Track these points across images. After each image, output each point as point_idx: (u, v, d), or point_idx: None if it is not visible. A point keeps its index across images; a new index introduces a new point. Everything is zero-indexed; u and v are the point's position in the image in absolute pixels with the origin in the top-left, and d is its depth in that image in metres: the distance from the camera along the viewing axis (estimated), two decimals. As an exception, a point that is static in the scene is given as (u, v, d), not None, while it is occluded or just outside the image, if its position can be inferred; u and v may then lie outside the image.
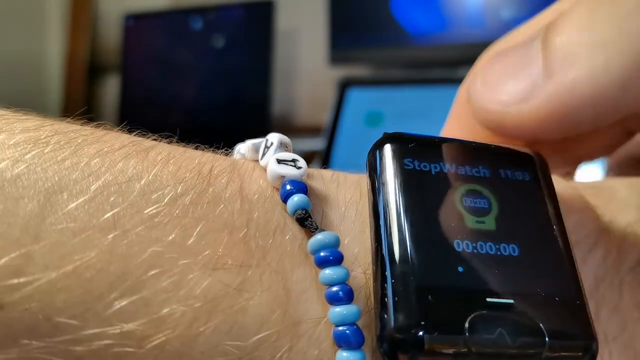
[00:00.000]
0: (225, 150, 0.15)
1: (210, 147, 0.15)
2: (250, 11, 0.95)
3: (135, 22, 1.09)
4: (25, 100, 1.19)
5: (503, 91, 0.14)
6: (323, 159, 0.70)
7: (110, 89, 1.19)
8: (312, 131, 0.87)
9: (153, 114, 1.05)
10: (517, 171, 0.14)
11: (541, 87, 0.13)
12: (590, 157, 0.18)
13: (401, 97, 0.74)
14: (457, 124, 0.18)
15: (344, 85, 0.76)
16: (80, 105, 1.21)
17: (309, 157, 0.78)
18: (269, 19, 0.92)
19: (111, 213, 0.11)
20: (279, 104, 0.98)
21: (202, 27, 1.00)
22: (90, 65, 1.23)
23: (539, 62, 0.13)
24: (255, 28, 0.94)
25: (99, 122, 0.14)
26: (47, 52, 1.26)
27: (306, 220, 0.13)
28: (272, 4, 0.92)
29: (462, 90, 0.18)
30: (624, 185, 0.17)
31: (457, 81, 0.65)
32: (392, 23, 0.81)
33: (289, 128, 0.99)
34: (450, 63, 0.79)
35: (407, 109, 0.73)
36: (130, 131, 0.14)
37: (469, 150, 0.14)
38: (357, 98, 0.77)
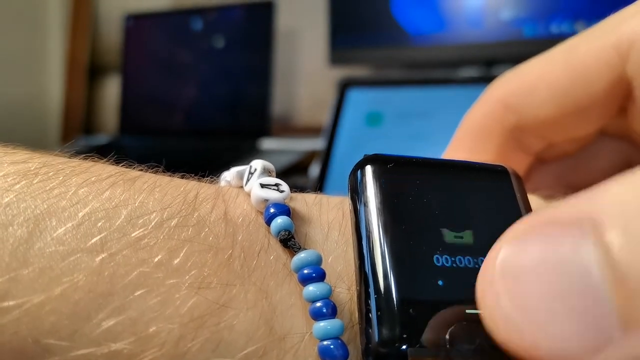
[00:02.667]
0: (211, 178, 0.16)
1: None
2: (250, 11, 0.95)
3: (136, 23, 1.09)
4: (25, 101, 1.20)
5: (558, 334, 0.09)
6: (323, 159, 0.70)
7: (111, 89, 1.19)
8: (312, 131, 0.87)
9: (153, 114, 1.05)
10: (493, 186, 0.14)
11: (618, 343, 0.09)
12: None
13: (401, 97, 0.74)
14: (460, 153, 0.18)
15: (344, 86, 0.76)
16: (80, 106, 1.22)
17: (309, 157, 0.78)
18: (269, 19, 0.92)
19: (99, 237, 0.12)
20: (279, 104, 0.98)
21: (202, 27, 1.00)
22: (90, 65, 1.23)
23: (611, 306, 0.09)
24: (255, 28, 0.94)
25: (87, 155, 0.14)
26: (47, 53, 1.26)
27: (289, 241, 0.13)
28: (272, 4, 0.92)
29: (467, 117, 0.18)
30: None
31: (457, 81, 0.65)
32: (392, 23, 0.81)
33: (289, 128, 0.99)
34: (450, 63, 0.79)
35: (407, 109, 0.73)
36: (117, 162, 0.14)
37: (446, 168, 0.15)
38: (357, 98, 0.76)
